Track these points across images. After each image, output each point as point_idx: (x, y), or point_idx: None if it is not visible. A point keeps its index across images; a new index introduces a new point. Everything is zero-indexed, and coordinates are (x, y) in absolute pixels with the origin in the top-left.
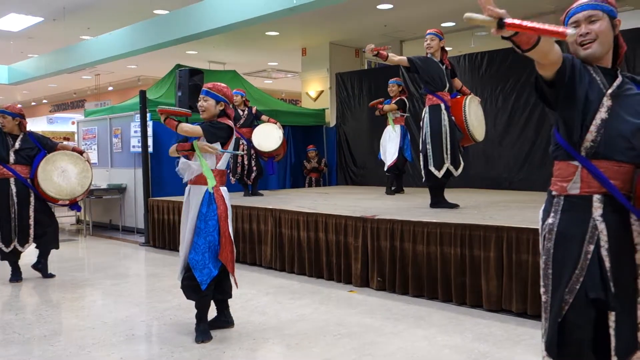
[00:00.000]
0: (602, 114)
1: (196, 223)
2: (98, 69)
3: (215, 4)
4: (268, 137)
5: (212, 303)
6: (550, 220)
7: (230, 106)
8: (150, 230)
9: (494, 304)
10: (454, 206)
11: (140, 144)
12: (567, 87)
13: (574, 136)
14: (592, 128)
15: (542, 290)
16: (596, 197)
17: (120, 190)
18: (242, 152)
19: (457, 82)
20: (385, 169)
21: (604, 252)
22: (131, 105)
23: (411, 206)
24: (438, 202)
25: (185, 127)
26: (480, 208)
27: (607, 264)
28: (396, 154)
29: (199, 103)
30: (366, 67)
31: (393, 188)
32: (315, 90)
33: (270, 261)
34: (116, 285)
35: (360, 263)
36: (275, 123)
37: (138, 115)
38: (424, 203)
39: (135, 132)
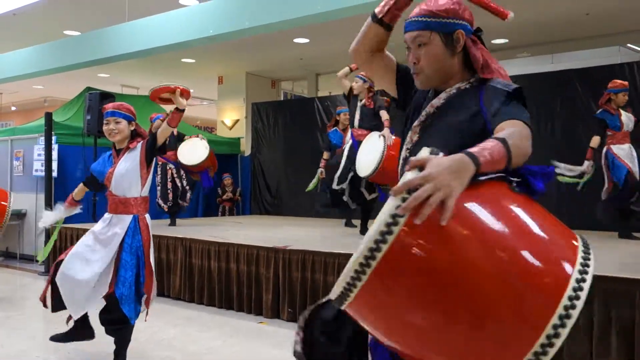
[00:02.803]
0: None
1: (122, 255)
2: (0, 88)
3: (130, 29)
4: (194, 149)
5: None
6: None
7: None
8: (52, 259)
9: None
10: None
11: (43, 168)
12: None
13: None
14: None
15: None
16: None
17: (19, 216)
18: None
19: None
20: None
21: None
22: (35, 127)
23: (323, 236)
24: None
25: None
26: None
27: None
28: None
29: (109, 126)
30: (282, 98)
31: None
32: (231, 119)
33: (179, 292)
34: (9, 317)
35: (271, 294)
36: (197, 136)
37: (42, 138)
38: (336, 233)
39: (39, 155)
